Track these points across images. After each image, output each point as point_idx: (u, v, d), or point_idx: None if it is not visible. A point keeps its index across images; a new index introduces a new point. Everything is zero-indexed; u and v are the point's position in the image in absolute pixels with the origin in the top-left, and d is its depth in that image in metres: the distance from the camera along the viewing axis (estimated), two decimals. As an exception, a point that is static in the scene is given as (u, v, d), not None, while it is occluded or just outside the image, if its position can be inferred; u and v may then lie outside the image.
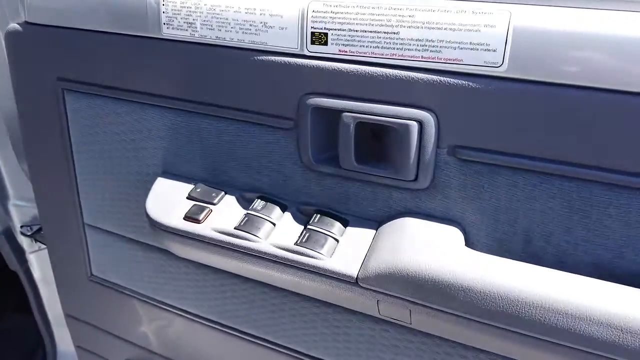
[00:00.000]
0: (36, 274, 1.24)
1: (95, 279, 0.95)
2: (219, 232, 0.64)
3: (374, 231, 0.62)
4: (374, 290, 0.56)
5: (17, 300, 1.30)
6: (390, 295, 0.55)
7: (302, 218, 0.66)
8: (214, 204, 0.68)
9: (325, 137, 0.62)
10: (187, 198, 0.70)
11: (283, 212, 0.66)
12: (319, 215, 0.64)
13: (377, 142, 0.61)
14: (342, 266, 0.58)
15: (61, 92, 0.78)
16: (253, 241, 0.62)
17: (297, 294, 0.71)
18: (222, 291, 0.79)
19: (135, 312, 0.94)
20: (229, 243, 0.63)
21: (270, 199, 0.67)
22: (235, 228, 0.64)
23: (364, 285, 0.57)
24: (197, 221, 0.66)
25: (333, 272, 0.58)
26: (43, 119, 0.82)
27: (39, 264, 1.23)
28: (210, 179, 0.72)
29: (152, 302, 0.89)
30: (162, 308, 0.88)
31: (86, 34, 0.72)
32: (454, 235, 0.57)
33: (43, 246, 1.21)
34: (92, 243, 0.92)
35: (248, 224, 0.64)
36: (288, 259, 0.60)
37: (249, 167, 0.68)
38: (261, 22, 0.59)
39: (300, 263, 0.60)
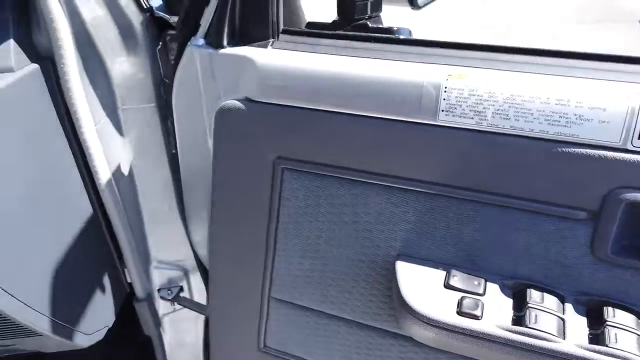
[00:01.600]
0: (167, 337, 1.18)
1: (269, 350, 0.90)
2: (508, 330, 0.61)
3: None
4: None
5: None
6: None
7: (585, 310, 0.63)
8: (480, 295, 0.65)
9: (629, 229, 0.59)
10: (446, 287, 0.66)
11: (562, 303, 0.63)
12: (612, 309, 0.60)
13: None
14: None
15: (280, 171, 0.73)
16: (554, 342, 0.59)
17: None
18: (449, 372, 0.75)
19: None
20: (524, 343, 0.59)
21: (545, 289, 0.64)
22: (526, 326, 0.60)
23: None
24: (476, 317, 0.62)
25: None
26: (250, 194, 0.77)
27: (171, 326, 1.17)
28: (461, 264, 0.68)
29: None
30: None
31: (320, 114, 0.68)
32: None
33: (178, 308, 1.15)
34: (274, 315, 0.87)
35: (540, 321, 0.60)
36: None
37: (517, 254, 0.65)
38: (575, 115, 0.55)
39: None
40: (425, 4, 0.76)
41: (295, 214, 0.76)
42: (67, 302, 0.81)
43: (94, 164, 0.82)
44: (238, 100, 0.71)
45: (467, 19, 4.21)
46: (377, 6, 0.71)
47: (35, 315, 0.73)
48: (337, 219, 0.73)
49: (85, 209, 0.87)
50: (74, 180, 0.83)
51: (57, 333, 0.78)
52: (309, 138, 0.70)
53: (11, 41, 0.65)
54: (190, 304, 1.10)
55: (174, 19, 0.81)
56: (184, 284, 1.13)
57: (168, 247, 1.07)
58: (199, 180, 0.84)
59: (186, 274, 1.12)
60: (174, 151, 0.98)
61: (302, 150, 0.71)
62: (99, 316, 0.94)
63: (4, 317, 0.69)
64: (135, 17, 0.78)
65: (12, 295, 0.67)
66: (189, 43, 0.72)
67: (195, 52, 0.71)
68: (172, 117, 0.94)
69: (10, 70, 0.66)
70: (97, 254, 0.94)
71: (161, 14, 0.79)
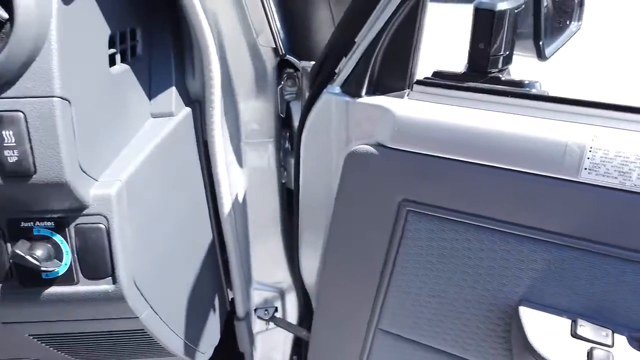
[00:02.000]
0: (258, 354, 1.23)
1: None
2: (643, 385, 0.62)
3: None
4: None
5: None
6: None
7: None
8: (609, 346, 0.66)
9: None
10: (573, 336, 0.68)
11: (695, 359, 0.64)
12: None
13: None
14: None
15: (405, 212, 0.77)
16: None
17: None
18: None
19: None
20: (661, 399, 0.61)
21: (676, 344, 0.65)
22: (662, 382, 0.62)
23: None
24: (608, 369, 0.64)
25: None
26: (369, 231, 0.81)
27: (262, 344, 1.22)
28: (587, 314, 0.70)
29: None
30: None
31: (452, 163, 0.71)
32: None
33: (270, 327, 1.20)
34: (378, 346, 0.91)
35: (676, 378, 0.62)
36: None
37: None
38: None
39: None
40: (552, 54, 0.78)
41: (416, 253, 0.79)
42: (192, 323, 0.87)
43: (221, 195, 0.88)
44: (370, 144, 0.75)
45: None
46: (508, 59, 0.74)
47: (171, 336, 0.79)
48: (459, 262, 0.76)
49: (207, 234, 0.93)
50: (202, 208, 0.89)
51: (187, 353, 0.83)
52: (438, 184, 0.73)
53: (173, 88, 0.72)
54: (286, 325, 1.14)
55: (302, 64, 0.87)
56: (279, 304, 1.19)
57: (268, 269, 1.12)
58: (317, 212, 0.88)
59: (282, 295, 1.17)
60: (283, 181, 1.03)
61: (429, 194, 0.74)
62: (211, 335, 0.99)
63: (149, 337, 0.75)
64: (270, 62, 0.84)
65: (160, 318, 0.72)
66: (325, 90, 0.76)
67: (332, 99, 0.76)
68: (283, 150, 0.99)
69: (171, 114, 0.72)
70: (211, 275, 1.00)
71: (292, 59, 0.84)
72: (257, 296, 1.16)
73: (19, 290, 0.62)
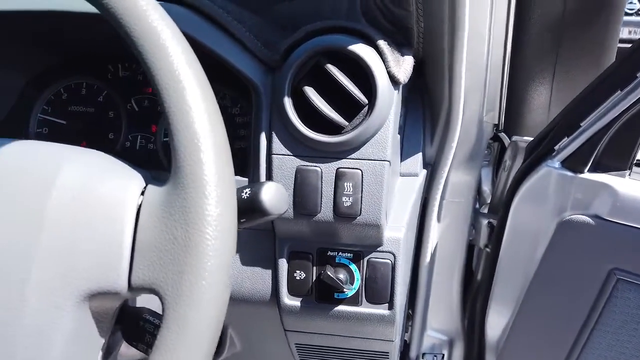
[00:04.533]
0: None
1: None
2: None
3: None
4: None
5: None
6: None
7: None
8: None
9: None
10: None
11: None
12: None
13: None
14: None
15: (614, 280, 0.84)
16: None
17: None
18: None
19: None
20: None
21: None
22: None
23: None
24: None
25: None
26: (572, 296, 0.89)
27: (423, 388, 1.31)
28: None
29: None
30: None
31: None
32: None
33: (434, 372, 1.29)
34: None
35: None
36: None
37: None
38: None
39: None
40: None
41: (621, 319, 0.86)
42: None
43: (427, 245, 1.01)
44: (586, 215, 0.84)
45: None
46: None
47: None
48: None
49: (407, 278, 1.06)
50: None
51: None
52: None
53: (420, 153, 0.87)
54: (455, 373, 1.22)
55: (515, 138, 0.99)
56: (445, 352, 1.27)
57: (443, 318, 1.22)
58: (515, 272, 0.98)
59: (450, 343, 1.25)
60: (470, 238, 1.14)
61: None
62: (396, 371, 1.10)
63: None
64: (487, 136, 0.97)
65: (398, 346, 0.84)
66: (544, 164, 0.88)
67: (552, 172, 0.86)
68: (474, 210, 1.11)
69: (415, 175, 0.87)
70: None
71: (504, 135, 0.97)
72: (427, 341, 1.25)
73: (314, 305, 0.78)
